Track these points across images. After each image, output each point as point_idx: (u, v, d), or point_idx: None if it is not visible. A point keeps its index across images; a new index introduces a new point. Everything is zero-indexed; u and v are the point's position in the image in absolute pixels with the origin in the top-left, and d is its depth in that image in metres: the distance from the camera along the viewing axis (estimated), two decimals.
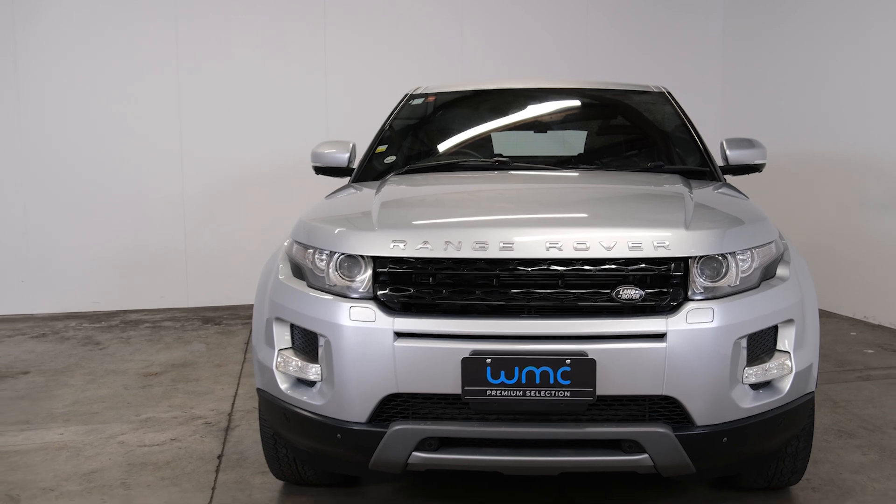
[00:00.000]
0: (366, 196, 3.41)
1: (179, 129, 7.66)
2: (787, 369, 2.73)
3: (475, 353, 2.54)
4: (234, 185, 7.88)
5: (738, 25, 8.29)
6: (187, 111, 7.65)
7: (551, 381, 2.51)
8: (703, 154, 3.85)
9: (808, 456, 3.10)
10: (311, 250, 2.88)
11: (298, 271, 2.94)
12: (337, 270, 2.78)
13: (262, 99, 7.79)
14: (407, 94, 4.44)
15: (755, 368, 2.68)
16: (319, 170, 4.24)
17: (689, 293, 2.62)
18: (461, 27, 8.15)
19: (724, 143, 3.93)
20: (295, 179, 7.86)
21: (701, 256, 2.65)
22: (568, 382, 2.51)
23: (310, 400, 2.77)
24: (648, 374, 2.53)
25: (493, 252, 2.64)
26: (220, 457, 3.81)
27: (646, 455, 2.57)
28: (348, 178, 4.25)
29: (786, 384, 2.73)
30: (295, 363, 2.83)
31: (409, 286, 2.67)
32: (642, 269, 2.62)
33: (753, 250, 2.75)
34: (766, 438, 2.75)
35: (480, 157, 4.03)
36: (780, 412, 2.72)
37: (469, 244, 2.66)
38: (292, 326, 2.88)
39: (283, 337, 2.90)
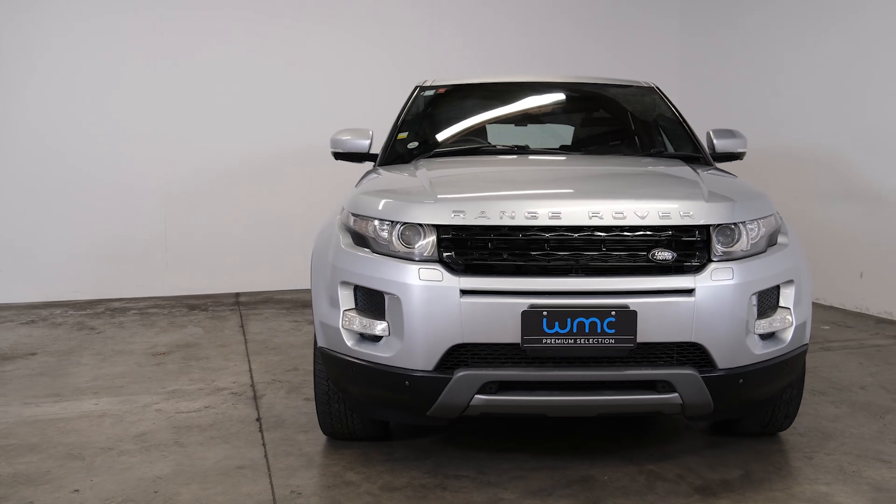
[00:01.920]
0: (408, 174, 3.78)
1: (161, 119, 7.83)
2: (788, 323, 3.20)
3: (532, 306, 2.93)
4: (214, 176, 8.09)
5: (695, 25, 8.92)
6: (168, 102, 7.83)
7: (598, 331, 2.92)
8: (695, 142, 4.34)
9: (799, 403, 3.58)
10: (374, 221, 3.23)
11: (360, 240, 3.28)
12: (400, 238, 3.14)
13: (243, 91, 8.02)
14: (417, 87, 4.80)
15: (763, 321, 3.14)
16: (339, 155, 4.57)
17: (711, 255, 3.06)
18: (432, 24, 8.54)
19: (711, 133, 4.41)
20: (273, 170, 8.15)
21: (719, 224, 3.10)
22: (613, 331, 2.92)
23: (378, 353, 3.12)
24: (680, 323, 2.97)
25: (544, 220, 3.04)
26: (258, 420, 4.11)
27: (676, 394, 3.00)
28: (368, 163, 4.61)
29: (787, 335, 3.20)
30: (360, 321, 3.18)
31: (469, 250, 3.04)
32: (671, 235, 3.06)
33: (759, 220, 3.22)
34: (771, 382, 3.21)
35: (495, 143, 4.43)
36: (783, 359, 3.19)
37: (521, 214, 3.05)
38: (356, 288, 3.21)
39: (347, 299, 3.23)
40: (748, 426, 3.65)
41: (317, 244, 3.61)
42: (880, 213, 6.46)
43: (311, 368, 4.94)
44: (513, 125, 4.82)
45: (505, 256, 3.03)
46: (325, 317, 3.32)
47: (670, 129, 4.47)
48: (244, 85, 8.04)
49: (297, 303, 7.48)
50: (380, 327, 3.12)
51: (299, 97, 8.19)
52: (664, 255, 3.03)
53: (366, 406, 3.42)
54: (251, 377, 4.91)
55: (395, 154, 4.35)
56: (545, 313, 2.92)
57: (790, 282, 3.23)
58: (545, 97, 4.84)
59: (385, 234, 3.18)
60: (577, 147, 4.60)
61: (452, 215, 3.08)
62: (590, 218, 3.04)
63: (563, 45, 8.88)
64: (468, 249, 3.05)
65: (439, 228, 3.08)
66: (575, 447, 3.65)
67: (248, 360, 5.32)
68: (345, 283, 3.23)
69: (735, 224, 3.14)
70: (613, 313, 2.92)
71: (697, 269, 3.03)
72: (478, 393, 3.00)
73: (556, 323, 2.92)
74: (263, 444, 3.74)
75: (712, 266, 3.04)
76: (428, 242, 3.09)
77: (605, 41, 9.01)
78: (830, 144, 6.91)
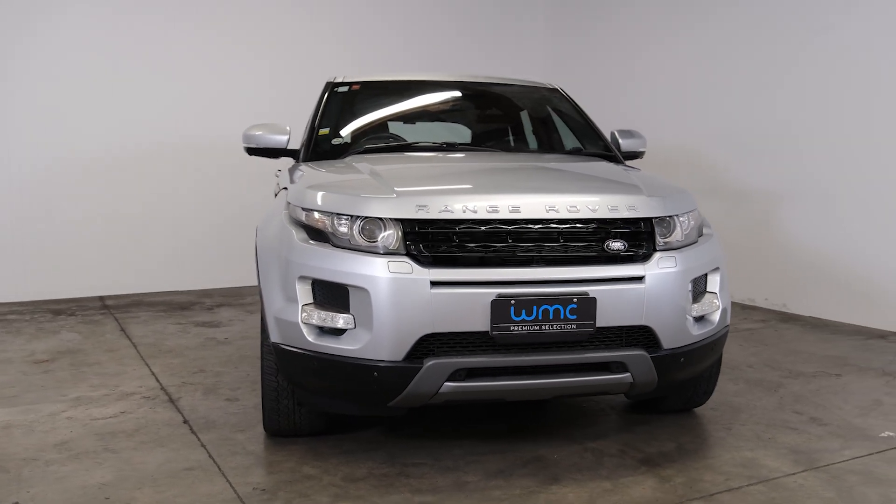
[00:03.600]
0: (350, 170, 3.80)
1: (2, 115, 7.34)
2: (716, 306, 3.51)
3: (500, 296, 3.06)
4: (68, 174, 7.63)
5: (562, 25, 9.39)
6: (10, 98, 7.34)
7: (562, 317, 3.09)
8: (606, 141, 4.63)
9: (716, 381, 3.92)
10: (331, 216, 3.25)
11: (317, 235, 3.28)
12: (361, 232, 3.18)
13: (103, 85, 7.64)
14: (328, 83, 4.80)
15: (696, 305, 3.42)
16: (253, 151, 4.50)
17: (656, 246, 3.32)
18: (312, 24, 8.50)
19: (616, 133, 4.72)
20: (132, 169, 7.82)
21: (659, 217, 3.36)
22: (574, 317, 3.10)
23: (342, 346, 3.14)
24: (633, 308, 3.19)
25: (504, 214, 3.18)
26: (185, 422, 3.99)
27: (628, 374, 3.22)
28: (284, 159, 4.58)
29: (716, 317, 3.51)
30: (320, 315, 3.18)
31: (436, 243, 3.13)
32: (620, 227, 3.28)
33: (688, 214, 3.51)
34: (704, 360, 3.51)
35: (420, 140, 4.53)
36: (713, 339, 3.50)
37: (483, 208, 3.17)
38: (314, 283, 3.22)
39: (306, 293, 3.23)
40: (671, 403, 3.95)
41: (262, 240, 3.57)
42: (742, 209, 7.09)
43: (220, 370, 4.94)
44: (433, 122, 4.94)
45: (470, 249, 3.14)
46: (280, 312, 3.30)
47: (579, 128, 4.73)
48: (103, 79, 7.65)
49: (172, 305, 7.22)
50: (343, 320, 3.14)
51: (159, 92, 7.90)
52: (617, 245, 3.25)
53: (322, 400, 3.42)
54: (157, 381, 4.73)
55: (319, 150, 4.35)
56: (513, 302, 3.06)
57: (716, 269, 3.55)
58: (459, 96, 4.98)
59: (344, 229, 3.21)
60: (499, 145, 4.79)
61: (416, 209, 3.16)
62: (547, 211, 3.21)
63: (439, 45, 9.09)
64: (435, 242, 3.14)
65: (404, 222, 3.15)
66: (516, 431, 3.80)
67: (147, 365, 5.11)
68: (303, 278, 3.23)
69: (671, 216, 3.41)
70: (575, 300, 3.10)
71: (645, 259, 3.27)
72: (447, 380, 3.09)
73: (523, 311, 3.07)
74: (203, 446, 3.64)
75: (658, 255, 3.29)
76: (391, 236, 3.15)
77: (478, 40, 9.31)
78: (696, 144, 7.50)
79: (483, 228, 3.16)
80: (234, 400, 4.35)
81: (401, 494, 3.10)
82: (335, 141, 4.47)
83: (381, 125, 4.82)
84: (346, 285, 3.13)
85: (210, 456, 3.52)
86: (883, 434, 3.75)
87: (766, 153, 6.93)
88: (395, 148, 4.38)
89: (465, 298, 3.06)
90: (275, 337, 3.34)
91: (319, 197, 3.36)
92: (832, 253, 6.38)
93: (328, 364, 3.18)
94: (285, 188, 3.81)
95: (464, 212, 3.15)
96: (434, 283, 3.06)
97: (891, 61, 5.92)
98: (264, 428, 3.71)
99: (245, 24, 8.22)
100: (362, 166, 3.78)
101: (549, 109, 4.90)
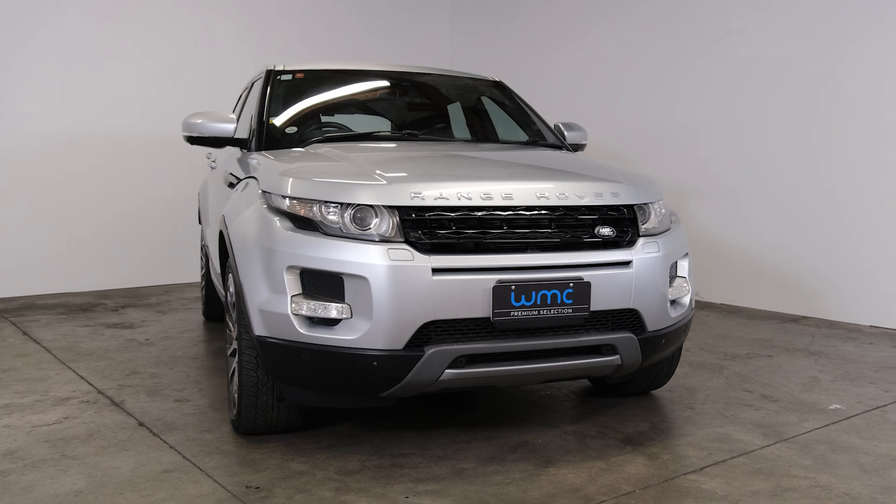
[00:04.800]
0: (323, 158, 3.70)
1: None
2: (687, 290, 3.65)
3: (501, 282, 3.06)
4: None
5: (464, 25, 9.48)
6: None
7: (559, 301, 3.13)
8: (556, 133, 4.72)
9: (678, 362, 4.08)
10: (318, 204, 3.16)
11: (303, 223, 3.18)
12: (352, 220, 3.11)
13: None
14: (269, 71, 4.64)
15: (672, 289, 3.55)
16: (196, 140, 4.30)
17: (639, 231, 3.42)
18: (207, 15, 8.21)
19: (561, 125, 4.82)
20: (16, 167, 7.34)
21: (640, 203, 3.47)
22: (571, 302, 3.15)
23: (338, 336, 3.04)
24: (622, 292, 3.27)
25: (498, 201, 3.18)
26: (141, 425, 3.77)
27: (617, 356, 3.30)
28: (229, 148, 4.42)
29: (686, 301, 3.65)
30: (311, 305, 3.08)
31: (433, 230, 3.10)
32: (607, 213, 3.35)
33: (660, 201, 3.64)
34: (677, 341, 3.64)
35: (365, 129, 4.47)
36: (685, 321, 3.64)
37: (477, 194, 3.17)
38: (303, 272, 3.12)
39: (294, 284, 3.13)
40: (635, 386, 4.07)
41: (238, 231, 3.41)
42: None
43: (155, 371, 4.72)
44: (383, 112, 4.88)
45: (469, 235, 3.13)
46: (265, 304, 3.18)
47: (528, 120, 4.80)
48: None
49: (70, 307, 6.80)
50: (338, 310, 3.06)
51: (43, 85, 7.45)
52: (606, 231, 3.32)
53: (307, 394, 3.31)
54: (90, 385, 4.44)
55: (271, 139, 4.21)
56: (513, 287, 3.07)
57: (686, 255, 3.69)
58: (407, 86, 4.94)
59: (334, 217, 3.12)
60: (458, 135, 4.79)
61: (411, 196, 3.11)
62: (538, 198, 3.24)
63: (340, 41, 8.98)
64: (432, 230, 3.11)
65: (400, 210, 3.10)
66: (492, 419, 3.81)
67: (70, 369, 4.79)
68: (291, 268, 3.12)
69: (648, 203, 3.52)
70: (571, 285, 3.15)
71: (630, 244, 3.37)
72: (448, 368, 3.07)
73: (523, 296, 3.09)
74: (172, 448, 3.44)
75: (642, 241, 3.39)
76: (384, 223, 3.09)
77: (381, 37, 9.27)
78: (605, 140, 7.74)
79: (478, 215, 3.16)
80: (185, 401, 4.15)
81: (403, 484, 3.05)
82: (288, 129, 4.34)
83: (334, 114, 4.72)
84: (341, 274, 3.04)
85: (185, 457, 3.34)
86: (831, 407, 4.00)
87: (673, 149, 7.26)
88: (355, 137, 4.30)
89: (466, 285, 3.05)
90: (259, 330, 3.21)
91: (305, 185, 3.25)
92: (739, 244, 6.76)
93: (321, 356, 3.09)
94: (252, 177, 3.66)
95: (459, 199, 3.14)
96: (436, 271, 3.03)
97: (785, 64, 6.34)
98: (235, 427, 3.56)
99: (146, 26, 7.84)
100: (332, 154, 3.70)
101: (497, 102, 4.94)
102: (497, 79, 5.09)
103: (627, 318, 3.34)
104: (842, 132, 6.07)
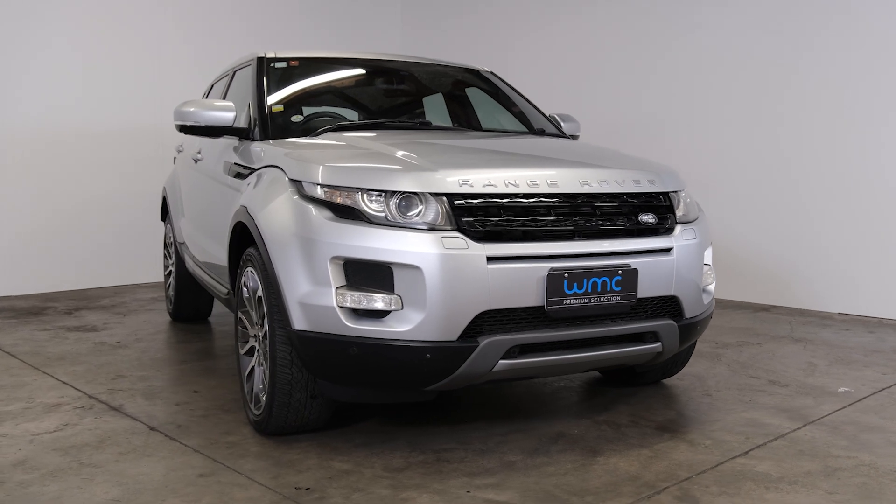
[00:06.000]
0: (347, 147, 3.58)
1: None
2: (713, 279, 3.69)
3: (554, 269, 3.02)
4: None
5: (416, 18, 9.39)
6: None
7: (608, 289, 3.11)
8: (552, 122, 4.70)
9: (693, 350, 4.12)
10: (360, 192, 3.04)
11: (344, 212, 3.05)
12: (397, 209, 3.02)
13: None
14: (260, 58, 4.44)
15: (703, 276, 3.58)
16: (189, 129, 4.10)
17: (677, 219, 3.43)
18: (152, 9, 7.90)
19: (557, 116, 4.81)
20: None
21: (674, 191, 3.48)
22: (619, 289, 3.13)
23: (389, 328, 2.92)
24: (665, 279, 3.27)
25: (544, 188, 3.14)
26: (153, 429, 3.57)
27: (659, 343, 3.30)
28: (223, 139, 4.24)
29: (712, 289, 3.68)
30: (358, 298, 2.96)
31: (485, 218, 3.03)
32: (645, 200, 3.35)
33: (686, 189, 3.67)
34: (704, 329, 3.67)
35: (369, 117, 4.38)
36: (712, 309, 3.68)
37: (524, 182, 3.12)
38: (346, 263, 3.00)
39: (338, 275, 3.01)
40: (652, 375, 4.09)
41: (269, 223, 3.23)
42: None
43: (142, 374, 4.51)
44: (382, 101, 4.77)
45: (519, 223, 3.07)
46: (307, 297, 3.04)
47: (529, 111, 4.77)
48: None
49: (18, 311, 6.42)
50: (388, 301, 2.96)
51: None
52: (649, 218, 3.32)
53: (345, 390, 3.19)
54: (78, 390, 4.18)
55: (278, 127, 4.05)
56: (566, 275, 3.03)
57: (710, 244, 3.73)
58: (405, 76, 4.83)
59: (377, 206, 3.01)
60: (469, 124, 4.73)
61: (460, 183, 3.04)
62: (581, 185, 3.21)
63: (289, 34, 8.78)
64: (483, 217, 3.04)
65: (449, 197, 3.02)
66: (520, 411, 3.76)
67: (46, 374, 4.49)
68: (336, 259, 3.00)
69: (678, 191, 3.55)
70: (620, 272, 3.13)
71: (669, 231, 3.38)
72: (502, 358, 3.01)
73: (575, 284, 3.05)
74: (198, 451, 3.26)
75: (679, 228, 3.40)
76: (430, 211, 2.99)
77: (332, 29, 9.12)
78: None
79: (526, 202, 3.11)
80: (185, 403, 3.95)
81: (458, 479, 2.96)
82: (294, 118, 4.19)
83: (337, 103, 4.58)
84: (391, 264, 2.94)
85: (215, 461, 3.16)
86: (840, 390, 4.12)
87: (639, 143, 7.31)
88: (366, 125, 4.19)
89: (520, 273, 2.99)
90: (300, 324, 3.07)
91: (344, 172, 3.12)
92: None
93: (370, 349, 2.97)
94: (272, 167, 3.50)
95: (506, 186, 3.08)
96: (490, 259, 2.96)
97: (748, 58, 6.53)
98: (260, 427, 3.39)
99: (74, 19, 7.48)
100: (357, 142, 3.59)
101: (491, 91, 4.90)
102: (490, 70, 5.06)
103: (668, 306, 3.34)
104: (806, 126, 6.28)
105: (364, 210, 3.01)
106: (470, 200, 3.02)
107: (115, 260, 7.77)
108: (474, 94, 4.90)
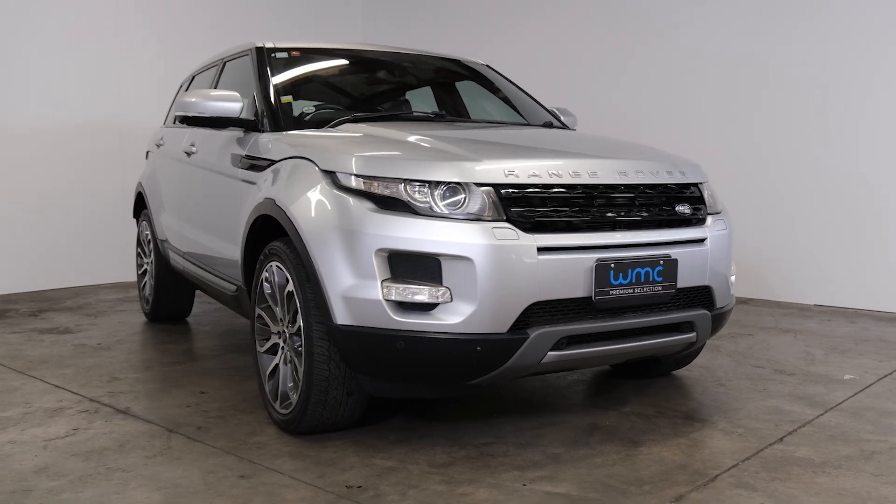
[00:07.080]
0: (372, 138, 3.51)
1: None
2: (734, 271, 3.74)
3: (600, 260, 3.01)
4: None
5: (377, 17, 9.31)
6: None
7: (651, 279, 3.11)
8: (553, 115, 4.70)
9: (704, 343, 4.16)
10: (403, 182, 2.98)
11: (389, 204, 2.98)
12: (442, 199, 2.97)
13: None
14: (260, 48, 4.30)
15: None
16: (193, 120, 3.97)
17: (708, 209, 3.47)
18: (115, 6, 7.64)
19: (556, 110, 4.82)
20: None
21: (703, 182, 3.52)
22: (661, 279, 3.14)
23: (437, 321, 2.85)
24: (700, 269, 3.29)
25: (585, 178, 3.12)
26: (171, 431, 3.43)
27: (693, 333, 3.32)
28: (233, 129, 4.11)
29: (734, 280, 3.74)
30: (404, 290, 2.90)
31: (532, 208, 2.99)
32: (678, 191, 3.38)
33: (709, 182, 3.71)
34: (729, 319, 3.73)
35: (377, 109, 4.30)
36: (733, 300, 3.73)
37: (566, 172, 3.10)
38: (391, 255, 2.93)
39: (383, 267, 2.94)
40: (665, 366, 4.12)
41: (305, 215, 3.12)
42: None
43: (137, 376, 4.36)
44: (388, 93, 4.70)
45: (566, 213, 3.05)
46: (350, 291, 2.96)
47: (529, 103, 4.77)
48: None
49: None
50: (437, 294, 2.90)
51: None
52: (685, 208, 3.35)
53: (385, 384, 3.12)
54: (75, 394, 3.99)
55: (287, 119, 3.94)
56: (612, 265, 3.02)
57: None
58: (410, 68, 4.78)
59: (422, 196, 2.95)
60: (482, 117, 4.69)
61: (506, 174, 3.01)
62: (619, 175, 3.22)
63: (249, 28, 8.58)
64: (530, 208, 3.01)
65: (496, 187, 2.99)
66: (543, 404, 3.74)
67: (35, 378, 4.29)
68: (381, 251, 2.93)
69: (705, 183, 3.59)
70: (662, 262, 3.14)
71: (701, 222, 3.41)
72: (551, 350, 2.98)
73: (621, 274, 3.05)
74: (230, 453, 3.14)
75: (711, 218, 3.44)
76: (476, 202, 2.95)
77: (295, 26, 8.96)
78: None
79: (570, 193, 3.09)
80: (197, 404, 3.81)
81: (509, 472, 2.92)
82: (306, 109, 4.08)
83: (347, 94, 4.49)
84: (440, 255, 2.88)
85: (251, 462, 3.05)
86: (846, 377, 4.22)
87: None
88: (384, 117, 4.11)
89: (569, 264, 2.97)
90: (343, 319, 2.98)
91: (385, 163, 3.06)
92: None
93: (419, 342, 2.90)
94: (299, 157, 3.39)
95: (550, 176, 3.06)
96: (541, 250, 2.93)
97: (719, 57, 6.67)
98: (290, 426, 3.27)
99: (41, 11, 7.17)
100: (385, 133, 3.52)
101: (495, 85, 4.88)
102: (486, 63, 5.04)
103: (701, 296, 3.37)
104: (782, 123, 6.44)
105: (408, 201, 2.94)
106: (516, 191, 2.99)
107: (75, 260, 7.46)
108: (478, 88, 4.87)
